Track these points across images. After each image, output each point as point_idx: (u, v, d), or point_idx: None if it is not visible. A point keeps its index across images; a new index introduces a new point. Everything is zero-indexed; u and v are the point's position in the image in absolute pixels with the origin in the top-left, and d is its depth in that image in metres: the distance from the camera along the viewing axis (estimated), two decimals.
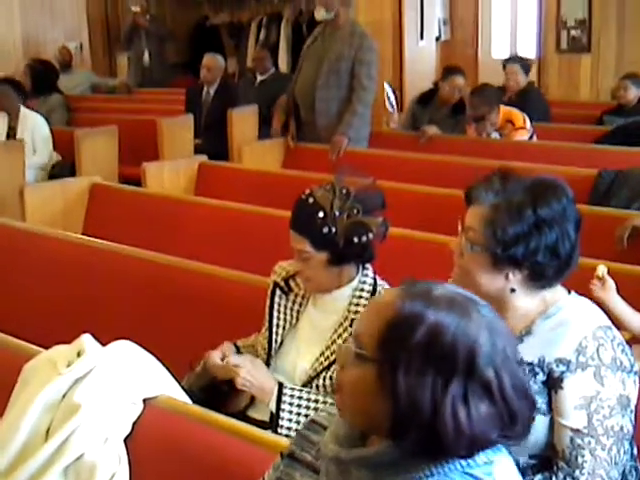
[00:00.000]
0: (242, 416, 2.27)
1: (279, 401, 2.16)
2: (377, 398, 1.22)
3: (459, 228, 1.90)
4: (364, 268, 2.28)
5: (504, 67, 6.58)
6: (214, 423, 1.83)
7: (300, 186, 4.46)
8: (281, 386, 2.18)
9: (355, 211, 2.17)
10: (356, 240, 2.16)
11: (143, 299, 3.10)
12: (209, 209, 4.02)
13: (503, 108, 5.53)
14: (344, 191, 2.17)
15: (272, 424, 2.16)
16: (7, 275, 3.49)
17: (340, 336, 2.21)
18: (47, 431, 1.91)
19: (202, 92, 6.86)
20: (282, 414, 2.15)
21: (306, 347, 2.29)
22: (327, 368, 2.21)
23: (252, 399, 2.34)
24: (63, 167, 5.92)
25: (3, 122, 6.12)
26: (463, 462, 1.23)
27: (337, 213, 2.16)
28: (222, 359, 2.27)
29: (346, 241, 2.16)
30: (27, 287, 3.40)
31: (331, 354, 2.21)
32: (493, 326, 1.25)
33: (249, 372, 2.19)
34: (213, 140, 6.28)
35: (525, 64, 6.59)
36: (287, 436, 2.11)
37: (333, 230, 2.16)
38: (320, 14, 5.51)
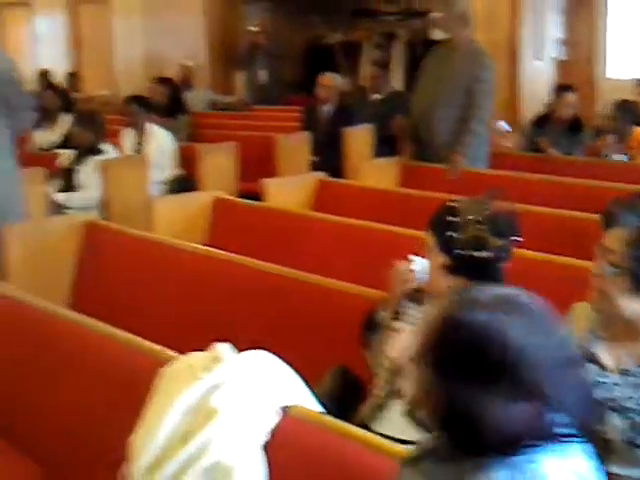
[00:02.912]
0: (365, 428, 2.31)
1: None
2: (432, 398, 1.27)
3: (596, 251, 1.90)
4: None
5: (638, 86, 6.44)
6: (348, 434, 1.87)
7: (417, 204, 4.55)
8: None
9: (483, 226, 2.20)
10: (472, 254, 2.20)
11: (265, 310, 3.17)
12: (328, 225, 4.07)
13: (637, 129, 5.38)
14: (484, 206, 2.21)
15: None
16: (139, 284, 3.63)
17: None
18: (185, 435, 1.98)
19: (318, 110, 6.96)
20: None
21: None
22: None
23: (375, 411, 2.38)
24: (185, 181, 6.09)
25: (132, 138, 6.35)
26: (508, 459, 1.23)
27: (466, 222, 2.22)
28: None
29: (463, 252, 2.21)
30: (157, 295, 3.52)
31: None
32: (545, 327, 1.25)
33: (406, 339, 2.22)
34: (329, 158, 6.35)
35: None
36: None
37: (456, 236, 2.21)
38: (438, 34, 5.54)
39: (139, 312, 3.45)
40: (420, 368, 1.30)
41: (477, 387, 1.21)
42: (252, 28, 9.39)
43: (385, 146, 6.52)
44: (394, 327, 2.31)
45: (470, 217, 2.22)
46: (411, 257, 2.37)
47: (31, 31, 12.11)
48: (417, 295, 2.41)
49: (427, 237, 2.33)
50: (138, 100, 6.44)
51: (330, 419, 1.93)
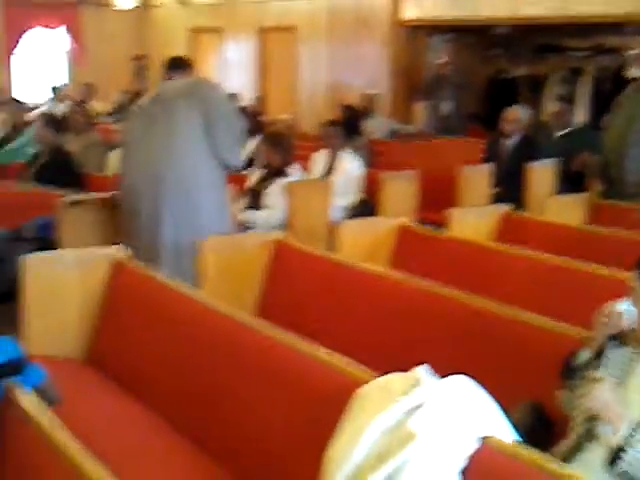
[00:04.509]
0: None
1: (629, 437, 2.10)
2: None
3: None
4: None
5: None
6: (548, 470, 1.82)
7: (606, 243, 4.40)
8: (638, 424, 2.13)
9: None
10: None
11: (452, 337, 3.14)
12: (515, 258, 4.00)
13: None
14: None
15: (613, 456, 2.10)
16: (322, 303, 3.69)
17: None
18: (381, 456, 1.98)
19: (501, 143, 6.91)
20: (625, 454, 2.08)
21: (633, 408, 2.22)
22: None
23: (573, 452, 2.31)
24: (366, 206, 6.18)
25: (325, 159, 6.51)
26: None
27: None
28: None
29: None
30: (340, 315, 3.57)
31: None
32: None
33: (607, 391, 2.14)
34: (510, 190, 6.29)
35: None
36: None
37: None
38: (634, 72, 5.39)
39: (322, 331, 3.50)
40: None
41: None
42: (440, 60, 9.45)
43: (567, 182, 6.40)
44: (595, 376, 2.22)
45: None
46: (619, 300, 2.30)
47: (222, 56, 12.67)
48: (621, 339, 2.34)
49: (633, 279, 2.26)
50: (338, 125, 6.61)
51: (530, 452, 1.89)
